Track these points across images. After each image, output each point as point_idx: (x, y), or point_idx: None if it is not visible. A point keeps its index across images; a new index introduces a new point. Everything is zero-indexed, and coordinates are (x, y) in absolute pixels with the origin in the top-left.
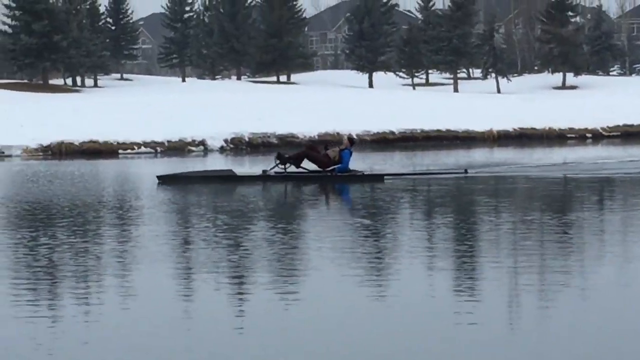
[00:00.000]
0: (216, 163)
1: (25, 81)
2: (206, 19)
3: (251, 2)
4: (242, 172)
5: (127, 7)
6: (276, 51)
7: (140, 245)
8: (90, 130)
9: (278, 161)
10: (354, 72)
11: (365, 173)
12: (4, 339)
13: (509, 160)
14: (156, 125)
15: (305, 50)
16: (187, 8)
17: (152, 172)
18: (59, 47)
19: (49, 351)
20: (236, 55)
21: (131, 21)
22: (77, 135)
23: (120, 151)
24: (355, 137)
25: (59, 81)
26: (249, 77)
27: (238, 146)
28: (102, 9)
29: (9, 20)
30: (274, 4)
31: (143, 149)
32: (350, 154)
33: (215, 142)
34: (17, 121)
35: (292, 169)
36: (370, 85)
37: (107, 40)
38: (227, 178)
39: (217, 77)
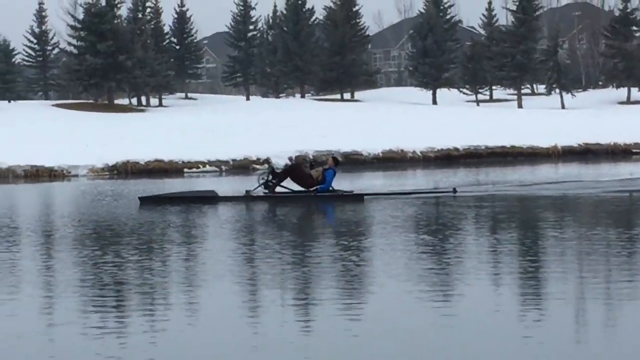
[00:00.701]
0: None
1: (91, 101)
2: (270, 38)
3: (314, 20)
4: (224, 192)
5: (191, 27)
6: (340, 69)
7: (204, 262)
8: (156, 149)
9: (262, 181)
10: (417, 89)
11: (344, 193)
12: (73, 355)
13: (569, 176)
14: (221, 144)
15: (368, 68)
16: (251, 27)
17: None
18: (124, 67)
19: None
20: (300, 73)
21: (195, 40)
22: (142, 154)
23: (185, 170)
24: (340, 157)
25: (124, 101)
26: (312, 95)
27: (303, 164)
28: (166, 29)
29: (74, 41)
30: (337, 21)
31: (208, 167)
32: (334, 173)
33: (280, 160)
34: (83, 141)
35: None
36: (434, 102)
37: (172, 59)
38: (209, 199)
39: (281, 95)
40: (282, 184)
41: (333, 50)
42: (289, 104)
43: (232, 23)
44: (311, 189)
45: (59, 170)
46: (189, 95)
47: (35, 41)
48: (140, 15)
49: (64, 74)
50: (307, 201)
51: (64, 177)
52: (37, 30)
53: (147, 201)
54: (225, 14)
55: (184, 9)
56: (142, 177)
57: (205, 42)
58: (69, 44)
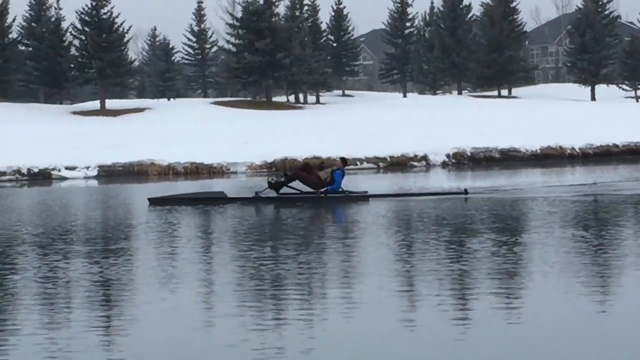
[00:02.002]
0: (440, 178)
1: (249, 99)
2: (427, 34)
3: (471, 17)
4: (233, 194)
5: (348, 24)
6: (497, 65)
7: (361, 257)
8: (313, 146)
9: (267, 185)
10: (575, 85)
11: (352, 193)
12: (231, 347)
13: None
14: (378, 141)
15: (526, 64)
16: (408, 24)
17: (374, 188)
18: (281, 65)
19: (276, 356)
20: (457, 70)
21: (352, 38)
22: (300, 151)
23: None
24: (347, 158)
25: (282, 98)
26: (469, 91)
27: (460, 161)
28: (323, 26)
29: (232, 39)
30: (495, 18)
31: (365, 164)
32: (343, 174)
33: (437, 157)
34: (241, 138)
35: (283, 190)
36: (593, 98)
37: (329, 57)
38: (218, 200)
39: (438, 92)
40: (290, 185)
41: (490, 46)
42: (445, 100)
43: (389, 20)
44: (320, 190)
45: (218, 167)
46: (346, 92)
47: (194, 39)
48: (297, 13)
49: (222, 72)
50: (315, 202)
51: (223, 174)
52: (196, 28)
53: (156, 202)
54: (382, 11)
55: (341, 6)
56: None
57: (362, 39)
58: (228, 42)
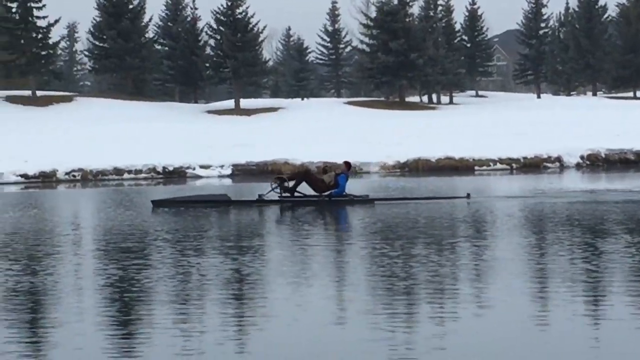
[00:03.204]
0: (574, 180)
1: (383, 99)
2: (561, 35)
3: (607, 18)
4: (237, 196)
5: (482, 25)
6: (632, 66)
7: (491, 257)
8: (446, 146)
9: (275, 185)
10: None
11: (356, 197)
12: (364, 342)
13: None
14: (511, 142)
15: None
16: (542, 24)
17: (507, 190)
18: (415, 65)
19: (408, 353)
20: (592, 70)
21: (486, 38)
22: (433, 152)
23: (476, 168)
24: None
25: (415, 99)
26: (604, 92)
27: (594, 162)
28: (457, 27)
29: (366, 39)
30: (631, 18)
31: (499, 165)
32: (347, 178)
33: (571, 159)
34: (374, 139)
35: (286, 193)
36: None
37: (463, 57)
38: (221, 202)
39: (572, 93)
40: (295, 187)
41: (626, 47)
42: (580, 101)
43: (524, 20)
44: (324, 194)
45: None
46: (480, 93)
47: (328, 39)
48: (432, 14)
49: (356, 72)
50: (319, 205)
51: (356, 173)
52: (330, 28)
53: (160, 204)
54: (516, 12)
55: (475, 6)
56: (432, 175)
57: (496, 39)
58: (362, 42)
